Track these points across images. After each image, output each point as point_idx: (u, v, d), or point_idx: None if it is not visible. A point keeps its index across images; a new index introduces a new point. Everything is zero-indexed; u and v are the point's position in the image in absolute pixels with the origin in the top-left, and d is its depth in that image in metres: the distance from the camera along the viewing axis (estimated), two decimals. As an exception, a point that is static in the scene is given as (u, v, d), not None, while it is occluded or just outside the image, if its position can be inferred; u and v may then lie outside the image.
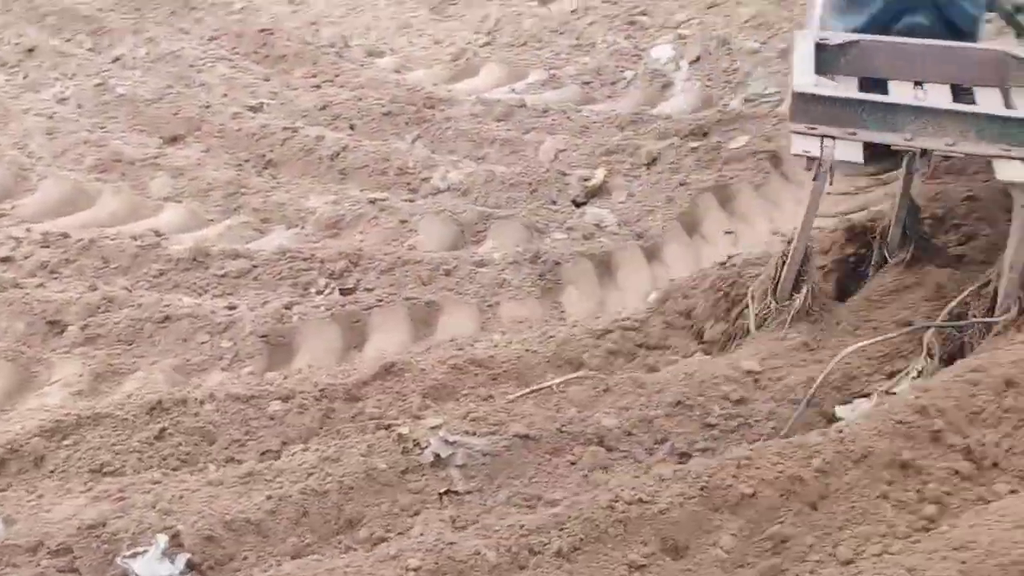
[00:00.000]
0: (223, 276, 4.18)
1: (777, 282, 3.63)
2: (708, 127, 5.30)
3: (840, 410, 3.39)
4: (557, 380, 3.48)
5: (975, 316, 3.50)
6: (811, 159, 3.45)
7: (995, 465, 3.07)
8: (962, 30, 4.44)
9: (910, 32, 4.27)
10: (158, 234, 4.39)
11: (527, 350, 3.68)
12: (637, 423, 3.28)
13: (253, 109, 5.55)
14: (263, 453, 3.30)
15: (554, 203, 4.71)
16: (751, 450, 3.03)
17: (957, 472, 3.03)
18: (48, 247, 4.24)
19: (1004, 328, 3.43)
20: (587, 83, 6.00)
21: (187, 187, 4.84)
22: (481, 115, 5.56)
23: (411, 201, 4.73)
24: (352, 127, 5.46)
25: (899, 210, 3.77)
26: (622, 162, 5.01)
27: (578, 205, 4.70)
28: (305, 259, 4.27)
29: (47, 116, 5.36)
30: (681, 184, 4.73)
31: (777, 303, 3.63)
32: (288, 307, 3.98)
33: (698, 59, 6.14)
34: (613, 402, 3.34)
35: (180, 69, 5.94)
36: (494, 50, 6.42)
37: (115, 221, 4.56)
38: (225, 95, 5.69)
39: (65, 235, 4.30)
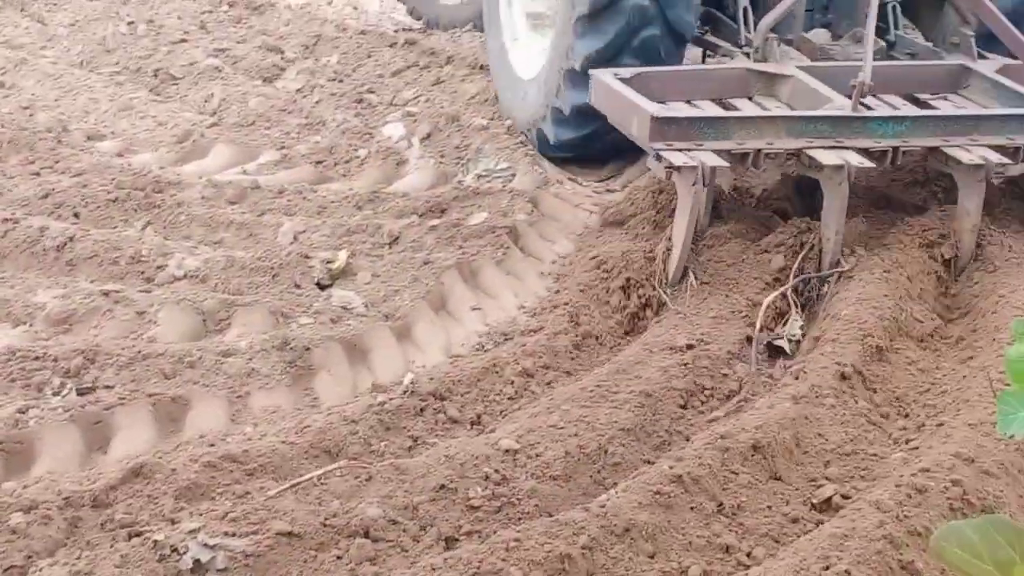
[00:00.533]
0: (-53, 381, 3.91)
1: (667, 274, 4.48)
2: (446, 204, 5.35)
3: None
4: (317, 472, 3.40)
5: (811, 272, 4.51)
6: (688, 168, 4.36)
7: (750, 529, 3.19)
8: (684, 36, 5.61)
9: (647, 43, 5.43)
10: None
11: (283, 442, 3.59)
12: (402, 511, 3.24)
13: (-32, 200, 5.25)
14: (6, 570, 3.08)
15: (298, 287, 4.64)
16: (518, 531, 3.04)
17: (717, 537, 3.13)
18: None
19: (835, 279, 4.46)
20: (320, 162, 5.97)
21: (-98, 293, 4.51)
22: (213, 198, 5.44)
23: (147, 291, 4.55)
24: (77, 215, 5.24)
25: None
26: (364, 242, 4.99)
27: (323, 288, 4.65)
28: (37, 358, 4.04)
29: None
30: (425, 263, 4.74)
31: (668, 289, 4.47)
32: (23, 411, 3.75)
33: (429, 136, 6.21)
34: (376, 491, 3.29)
35: None
36: (222, 130, 6.31)
37: None
38: (-64, 187, 5.37)
39: None
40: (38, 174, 5.62)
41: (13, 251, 4.88)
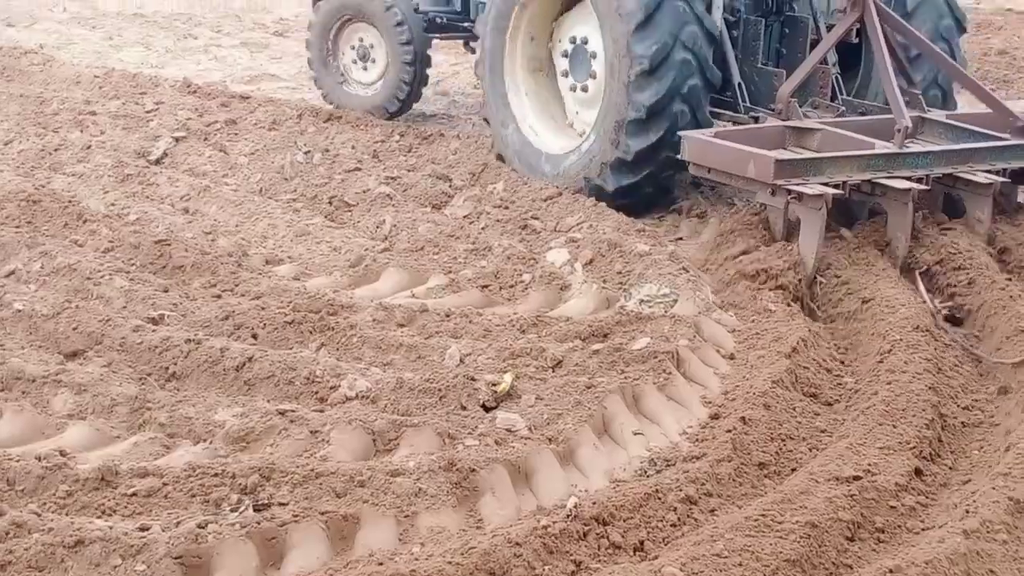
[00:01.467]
0: (132, 495, 4.09)
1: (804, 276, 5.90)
2: (608, 328, 5.43)
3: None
4: (482, 593, 3.46)
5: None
6: (814, 196, 5.89)
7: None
8: (715, 85, 7.08)
9: (692, 91, 6.91)
10: (63, 454, 4.30)
11: (449, 562, 3.66)
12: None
13: (154, 321, 5.53)
14: None
15: (464, 408, 4.74)
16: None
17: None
18: (-51, 471, 4.12)
19: None
20: (486, 286, 6.12)
21: (91, 403, 4.77)
22: (384, 321, 5.63)
23: (321, 411, 4.72)
24: (255, 336, 5.47)
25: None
26: (528, 365, 5.09)
27: (488, 410, 4.75)
28: (216, 474, 4.21)
29: (-60, 334, 5.27)
30: (588, 386, 4.81)
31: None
32: (202, 526, 3.90)
33: (592, 261, 6.33)
34: (541, 614, 3.33)
35: (77, 282, 5.91)
36: (392, 255, 6.53)
37: (18, 441, 4.46)
38: (124, 308, 5.67)
39: (-33, 458, 4.18)
40: (219, 296, 5.90)
41: (195, 370, 5.11)
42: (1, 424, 4.57)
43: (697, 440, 4.60)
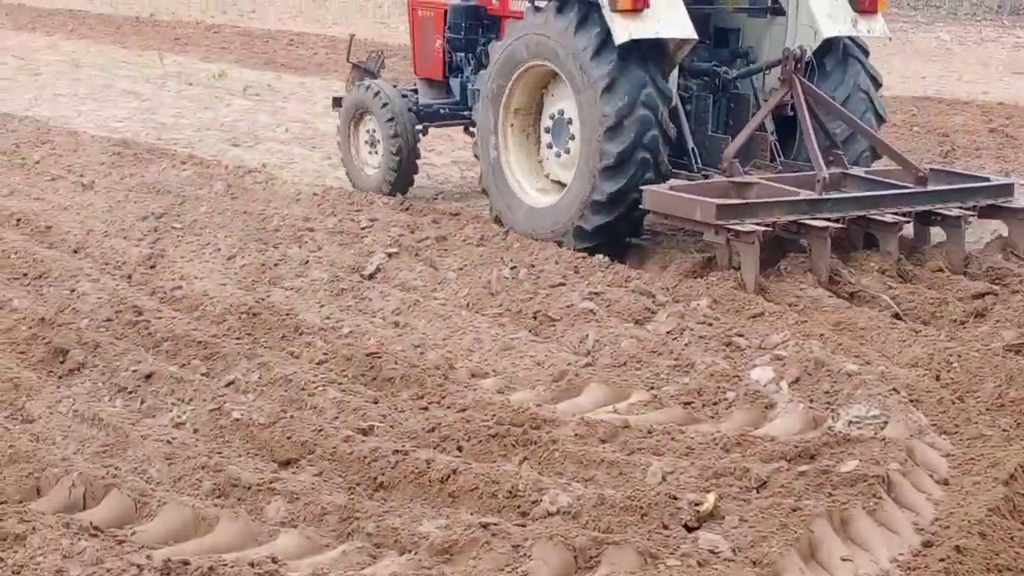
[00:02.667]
0: (339, 604, 4.19)
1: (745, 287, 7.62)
2: (815, 450, 5.33)
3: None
4: None
5: None
6: (747, 233, 7.61)
7: None
8: (671, 137, 8.60)
9: (652, 141, 8.41)
10: (275, 561, 4.45)
11: None
12: None
13: (364, 432, 5.69)
14: None
15: (666, 527, 4.71)
16: None
17: None
18: (169, 574, 4.30)
19: None
20: (689, 403, 6.09)
21: (302, 512, 4.92)
22: (586, 436, 5.65)
23: (522, 525, 4.75)
24: (460, 449, 5.57)
25: None
26: (731, 485, 5.03)
27: (690, 530, 4.70)
28: (420, 586, 4.28)
29: (165, 441, 5.52)
30: (793, 509, 4.71)
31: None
32: (405, 637, 3.96)
33: (798, 380, 6.24)
34: None
35: (292, 393, 6.14)
36: (595, 371, 6.57)
37: (233, 547, 4.63)
38: (336, 418, 5.85)
39: (185, 562, 4.35)
40: (426, 408, 6.03)
41: (402, 481, 5.22)
42: (217, 530, 4.75)
43: (909, 568, 4.45)
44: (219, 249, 8.82)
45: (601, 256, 8.44)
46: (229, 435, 5.71)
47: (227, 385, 6.32)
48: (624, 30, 8.15)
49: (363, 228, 9.26)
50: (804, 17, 8.96)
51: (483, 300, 7.87)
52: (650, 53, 8.35)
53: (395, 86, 10.76)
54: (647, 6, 8.19)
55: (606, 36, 8.25)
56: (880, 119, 9.32)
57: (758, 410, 5.98)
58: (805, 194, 8.00)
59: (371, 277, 8.32)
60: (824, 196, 8.05)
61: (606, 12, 8.20)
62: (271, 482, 5.11)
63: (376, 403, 6.08)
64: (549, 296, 7.70)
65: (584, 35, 8.37)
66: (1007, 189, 8.70)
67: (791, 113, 8.86)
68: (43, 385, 6.15)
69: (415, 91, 10.81)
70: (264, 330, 7.14)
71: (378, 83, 10.56)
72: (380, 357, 6.60)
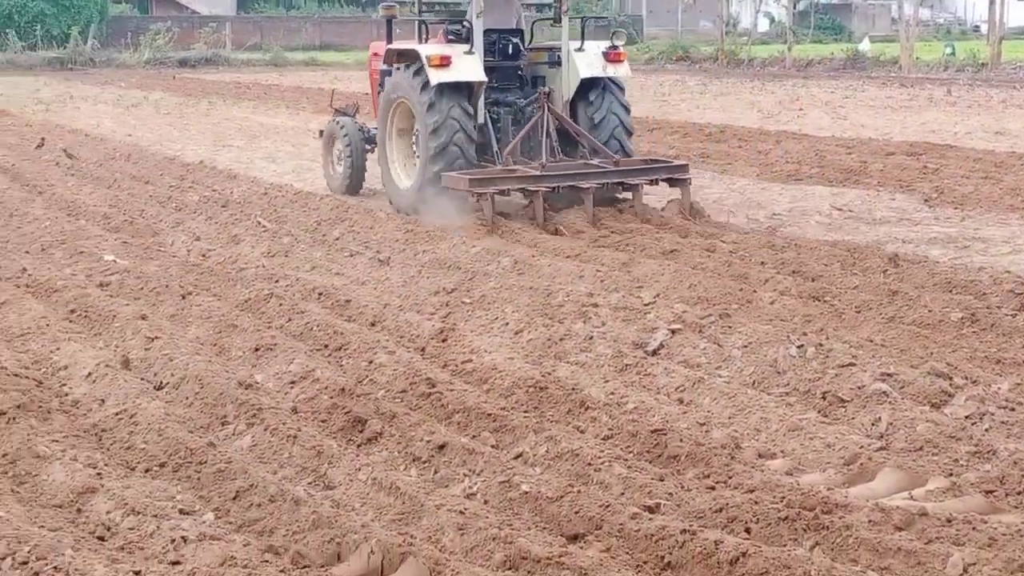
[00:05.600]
0: None
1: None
2: None
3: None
4: None
5: None
6: (484, 192, 12.60)
7: None
8: (474, 139, 13.45)
9: (461, 143, 13.22)
10: (564, 635, 4.48)
11: None
12: None
13: (650, 509, 5.68)
14: None
15: (971, 623, 4.49)
16: None
17: None
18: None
19: None
20: (991, 492, 5.81)
21: (591, 588, 4.94)
22: (881, 522, 5.47)
23: (816, 613, 4.63)
24: (749, 531, 5.48)
25: None
26: (1040, 581, 4.76)
27: (996, 627, 4.48)
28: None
29: (458, 511, 5.66)
30: (1110, 609, 4.42)
31: None
32: None
33: (1112, 470, 5.86)
34: None
35: (579, 467, 6.20)
36: (889, 455, 6.36)
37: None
38: (623, 494, 5.87)
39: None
40: (713, 488, 5.97)
41: (689, 561, 5.18)
42: (508, 601, 4.83)
43: None
44: (507, 323, 9.03)
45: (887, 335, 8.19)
46: (518, 507, 5.81)
47: (515, 457, 6.44)
48: (435, 76, 12.93)
49: (646, 304, 9.30)
50: (573, 66, 13.64)
51: (769, 378, 7.76)
52: (455, 88, 13.06)
53: (358, 124, 15.38)
54: (450, 63, 12.98)
55: (427, 80, 13.03)
56: (628, 132, 13.91)
57: (1067, 501, 5.65)
58: (526, 171, 12.86)
59: (655, 353, 8.33)
60: (542, 173, 12.75)
61: (426, 66, 12.98)
62: (560, 556, 5.16)
63: (662, 480, 6.07)
64: (838, 376, 7.52)
65: (417, 80, 13.23)
66: (683, 168, 13.58)
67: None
68: (343, 453, 6.42)
69: (375, 128, 14.87)
70: (550, 404, 7.25)
71: (343, 119, 15.46)
72: (665, 434, 6.60)
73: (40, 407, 7.01)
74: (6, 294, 9.66)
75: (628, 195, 13.38)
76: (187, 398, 7.32)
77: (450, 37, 13.81)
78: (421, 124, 13.17)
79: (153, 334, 8.39)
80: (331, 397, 7.24)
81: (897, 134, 22.11)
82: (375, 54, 15.63)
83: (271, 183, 16.08)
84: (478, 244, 11.58)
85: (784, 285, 9.97)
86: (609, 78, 13.78)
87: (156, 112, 29.01)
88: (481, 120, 13.37)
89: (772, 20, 56.35)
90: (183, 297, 9.58)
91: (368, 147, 15.15)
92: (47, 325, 8.74)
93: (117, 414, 6.93)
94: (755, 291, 9.72)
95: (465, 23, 13.61)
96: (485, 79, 13.22)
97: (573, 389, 7.40)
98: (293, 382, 7.62)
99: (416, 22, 14.05)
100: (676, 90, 36.11)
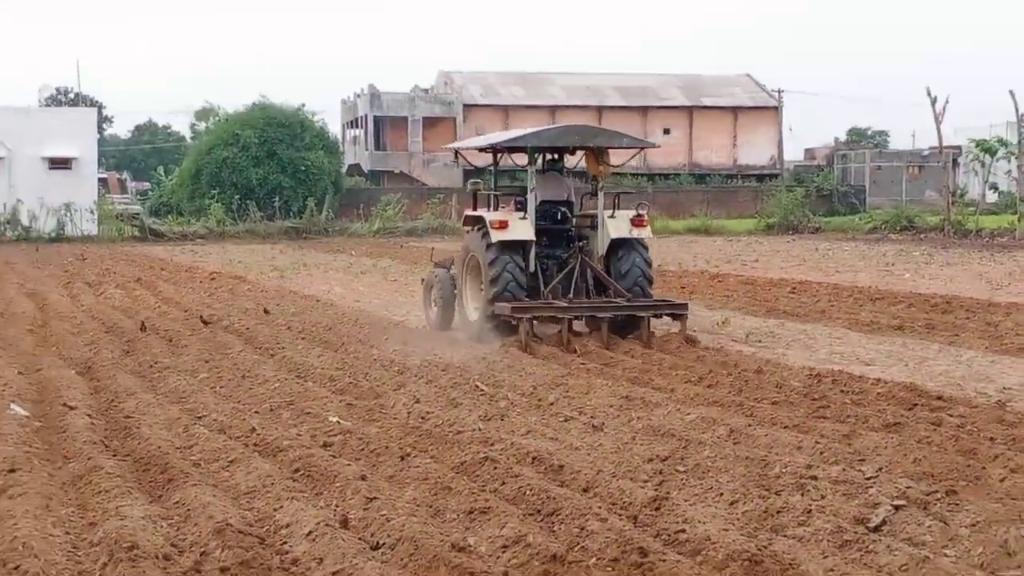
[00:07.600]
0: None
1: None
2: None
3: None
4: None
5: None
6: (521, 317, 16.66)
7: None
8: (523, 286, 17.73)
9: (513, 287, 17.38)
10: None
11: None
12: None
13: None
14: None
15: None
16: None
17: None
18: None
19: None
20: None
21: None
22: None
23: None
24: None
25: None
26: None
27: None
28: None
29: None
30: None
31: None
32: None
33: None
34: None
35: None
36: None
37: None
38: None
39: None
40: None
41: None
42: None
43: None
44: (721, 494, 8.89)
45: None
46: None
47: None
48: (495, 235, 16.83)
49: (868, 478, 9.02)
50: (606, 229, 17.35)
51: (999, 560, 7.38)
52: (510, 246, 16.90)
53: (451, 274, 18.55)
54: (507, 226, 16.87)
55: (489, 239, 16.87)
56: (648, 281, 17.42)
57: None
58: (557, 304, 16.70)
59: (877, 529, 8.04)
60: (568, 305, 16.59)
61: (489, 228, 16.85)
62: None
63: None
64: (1077, 561, 7.10)
65: (483, 239, 17.06)
66: (682, 306, 17.16)
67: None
68: (553, 621, 6.38)
69: None
70: (767, 579, 7.05)
71: (439, 271, 18.83)
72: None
73: (261, 564, 7.22)
74: (235, 452, 10.06)
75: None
76: (402, 559, 7.43)
77: (516, 206, 17.60)
78: (484, 274, 16.97)
79: (372, 494, 8.58)
80: (542, 563, 7.22)
81: None
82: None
83: (489, 348, 16.42)
84: (693, 412, 11.46)
85: (1016, 462, 9.53)
86: (634, 238, 17.42)
87: (383, 279, 30.10)
88: (532, 269, 17.18)
89: (997, 191, 54.62)
90: (402, 459, 9.79)
91: (456, 292, 18.42)
92: (272, 483, 9.04)
93: (335, 573, 7.07)
94: (984, 467, 9.33)
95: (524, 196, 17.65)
96: (533, 238, 17.18)
97: (790, 565, 7.19)
98: (505, 546, 7.64)
99: (489, 195, 18.13)
100: (900, 260, 35.47)
